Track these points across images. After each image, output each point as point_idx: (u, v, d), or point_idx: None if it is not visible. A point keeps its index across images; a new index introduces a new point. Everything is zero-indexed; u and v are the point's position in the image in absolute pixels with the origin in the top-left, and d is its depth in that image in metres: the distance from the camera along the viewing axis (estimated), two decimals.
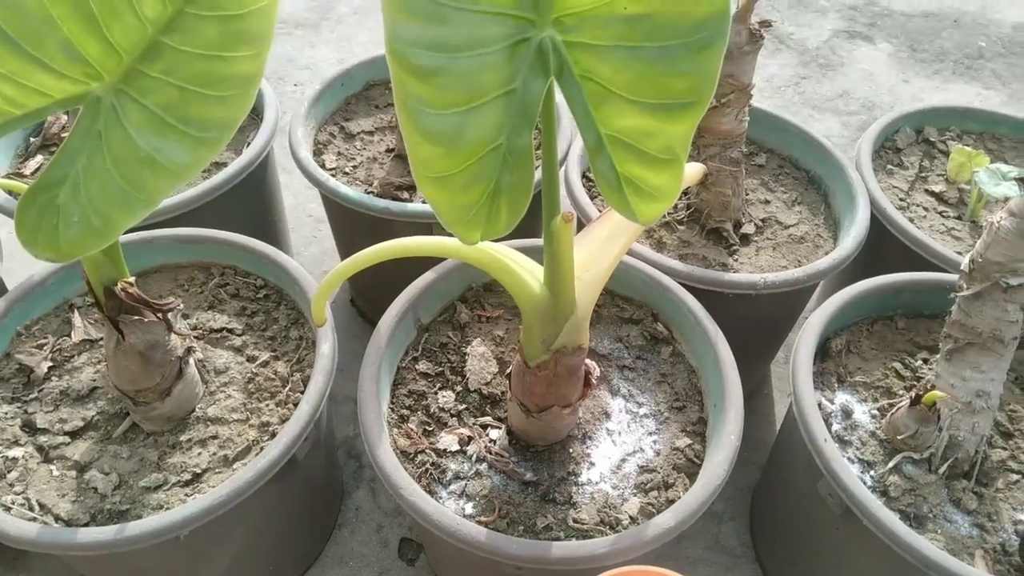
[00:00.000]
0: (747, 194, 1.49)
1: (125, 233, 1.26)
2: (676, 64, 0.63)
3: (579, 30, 0.65)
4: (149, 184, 0.72)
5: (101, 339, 1.21)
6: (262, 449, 1.07)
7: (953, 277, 1.21)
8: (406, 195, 1.51)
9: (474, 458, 1.08)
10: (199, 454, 1.08)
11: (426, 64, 0.63)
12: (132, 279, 0.98)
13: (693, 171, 1.24)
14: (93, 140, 0.72)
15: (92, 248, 0.73)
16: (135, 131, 0.71)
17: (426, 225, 1.40)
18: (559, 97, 0.72)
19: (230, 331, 1.23)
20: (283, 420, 1.11)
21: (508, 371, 1.07)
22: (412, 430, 1.10)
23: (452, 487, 1.05)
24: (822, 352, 1.23)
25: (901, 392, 1.18)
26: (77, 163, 0.72)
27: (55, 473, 1.06)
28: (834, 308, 1.21)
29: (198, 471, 1.06)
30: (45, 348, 1.18)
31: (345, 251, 1.74)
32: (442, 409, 1.13)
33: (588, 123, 0.69)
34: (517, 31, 0.65)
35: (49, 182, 0.72)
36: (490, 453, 1.08)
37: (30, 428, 1.10)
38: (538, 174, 1.28)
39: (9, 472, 1.05)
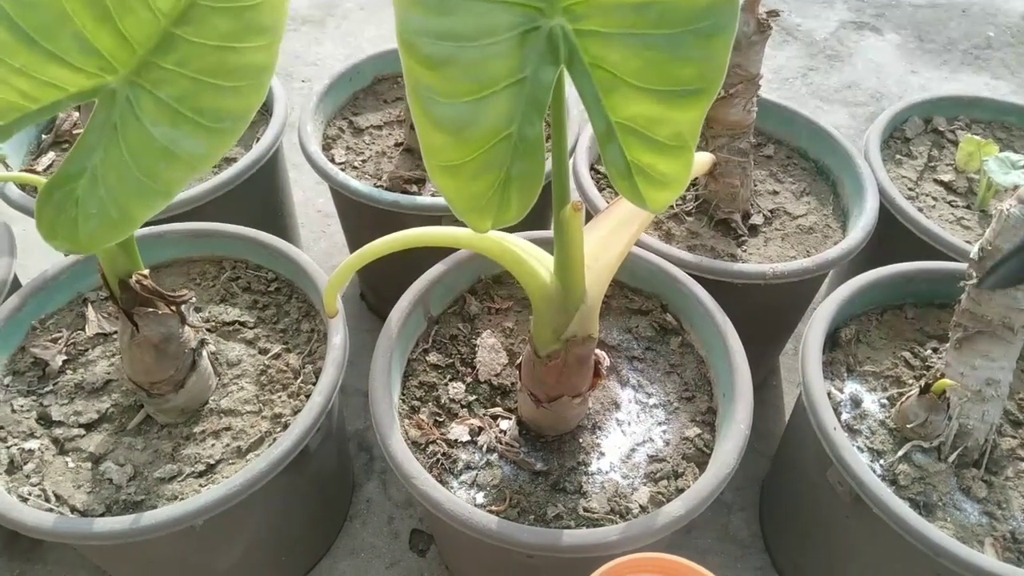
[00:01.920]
0: (755, 185, 1.49)
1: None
2: (684, 51, 0.63)
3: (588, 18, 0.65)
4: (165, 175, 0.72)
5: (115, 332, 1.22)
6: (275, 440, 1.08)
7: (962, 266, 1.21)
8: (415, 188, 1.52)
9: (485, 448, 1.08)
10: (213, 445, 1.09)
11: (436, 53, 0.63)
12: (146, 272, 0.99)
13: (702, 160, 1.24)
14: (109, 133, 0.72)
15: (110, 240, 0.74)
16: (150, 123, 0.72)
17: (435, 218, 1.40)
18: (567, 88, 0.72)
19: (242, 324, 1.24)
20: (295, 412, 1.12)
21: (518, 362, 1.08)
22: (423, 421, 1.10)
23: (463, 477, 1.06)
24: (831, 342, 1.23)
25: (911, 381, 1.18)
26: (94, 156, 0.73)
27: (71, 465, 1.07)
28: (843, 298, 1.22)
29: (212, 462, 1.07)
30: (60, 342, 1.20)
31: (354, 245, 1.75)
32: (452, 400, 1.14)
33: (598, 111, 0.69)
34: (527, 20, 0.65)
35: (67, 175, 0.73)
36: (500, 443, 1.08)
37: (46, 421, 1.11)
38: (548, 164, 1.29)
39: (26, 464, 1.06)
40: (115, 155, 0.72)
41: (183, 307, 1.04)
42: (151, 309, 0.99)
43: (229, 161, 1.52)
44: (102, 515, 1.02)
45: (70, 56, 0.72)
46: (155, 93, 0.72)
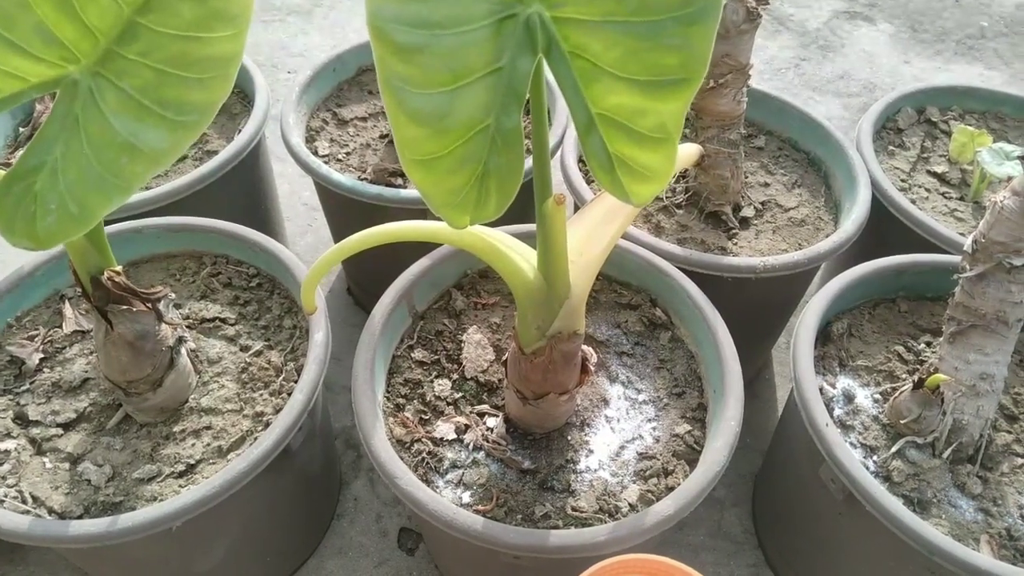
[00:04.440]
0: (746, 177, 1.47)
1: (114, 222, 1.26)
2: (666, 39, 0.61)
3: (567, 4, 0.63)
4: (126, 170, 0.70)
5: (92, 330, 1.20)
6: (256, 439, 1.05)
7: (956, 258, 1.19)
8: (400, 181, 1.49)
9: (471, 446, 1.06)
10: (193, 445, 1.07)
11: (409, 41, 0.61)
12: (119, 268, 0.96)
13: (689, 152, 1.22)
14: (70, 125, 0.70)
15: (70, 236, 0.72)
16: (112, 115, 0.70)
17: (420, 211, 1.38)
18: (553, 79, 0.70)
19: (223, 320, 1.22)
20: (277, 410, 1.10)
21: (504, 358, 1.06)
22: (408, 419, 1.08)
23: (449, 476, 1.04)
24: (823, 336, 1.21)
25: (904, 376, 1.16)
26: (55, 149, 0.70)
27: (48, 465, 1.05)
28: (835, 291, 1.20)
29: (192, 462, 1.05)
30: (36, 339, 1.17)
31: (340, 239, 1.71)
32: (438, 397, 1.12)
33: (578, 102, 0.67)
34: (503, 7, 0.63)
35: (27, 168, 0.70)
36: (487, 441, 1.06)
37: (22, 420, 1.09)
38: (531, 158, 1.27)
39: (1, 465, 1.04)
40: (76, 148, 0.69)
41: (159, 304, 1.01)
42: (125, 306, 0.96)
43: (210, 153, 1.50)
44: (80, 517, 0.99)
45: (31, 46, 0.69)
46: (118, 84, 0.70)
